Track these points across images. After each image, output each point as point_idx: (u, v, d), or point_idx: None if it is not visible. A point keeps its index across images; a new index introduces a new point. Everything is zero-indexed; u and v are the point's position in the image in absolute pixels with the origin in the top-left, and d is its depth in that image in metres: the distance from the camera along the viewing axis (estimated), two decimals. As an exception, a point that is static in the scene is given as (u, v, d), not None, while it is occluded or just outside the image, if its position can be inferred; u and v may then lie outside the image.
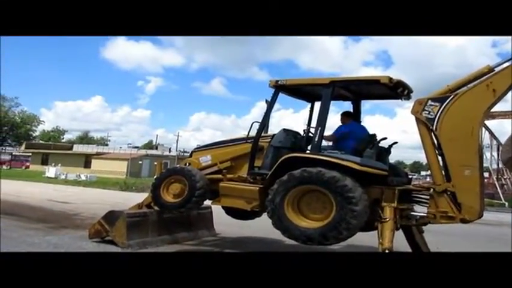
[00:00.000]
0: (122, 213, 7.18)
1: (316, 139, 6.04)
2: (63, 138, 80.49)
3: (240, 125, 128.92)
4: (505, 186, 27.81)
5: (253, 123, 6.73)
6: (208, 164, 7.23)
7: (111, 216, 7.19)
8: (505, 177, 29.14)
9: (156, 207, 7.29)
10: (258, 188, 6.34)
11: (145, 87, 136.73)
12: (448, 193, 5.59)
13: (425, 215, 5.84)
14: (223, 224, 8.66)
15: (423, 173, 76.34)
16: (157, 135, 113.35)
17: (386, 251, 5.26)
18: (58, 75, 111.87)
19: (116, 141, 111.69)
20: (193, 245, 7.74)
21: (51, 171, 34.88)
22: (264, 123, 6.74)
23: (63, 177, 33.04)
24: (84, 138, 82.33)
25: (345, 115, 6.91)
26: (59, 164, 39.11)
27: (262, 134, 6.74)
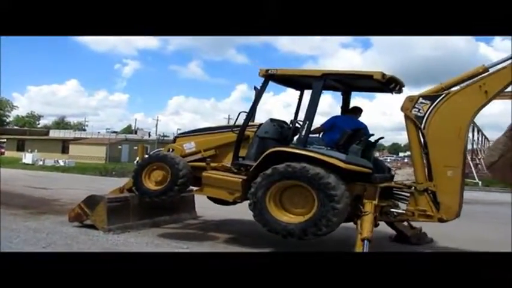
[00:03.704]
0: (102, 197, 7.13)
1: (303, 133, 6.00)
2: (38, 124, 78.59)
3: (220, 109, 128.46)
4: (479, 165, 28.59)
5: (240, 113, 6.66)
6: (192, 151, 7.14)
7: (92, 201, 7.14)
8: (479, 157, 29.98)
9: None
10: (241, 180, 6.31)
11: (122, 71, 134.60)
12: (429, 192, 5.64)
13: (404, 212, 5.93)
14: (204, 207, 8.68)
15: (401, 154, 77.82)
16: (136, 120, 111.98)
17: (366, 241, 5.30)
18: (29, 58, 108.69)
19: (93, 126, 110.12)
20: (177, 229, 7.78)
21: (27, 157, 34.17)
22: (252, 113, 6.65)
23: (40, 163, 32.43)
24: (61, 123, 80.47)
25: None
26: (36, 150, 38.30)
27: (249, 123, 6.67)
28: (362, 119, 6.90)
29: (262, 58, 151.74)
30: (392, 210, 6.11)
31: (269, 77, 6.52)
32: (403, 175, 23.73)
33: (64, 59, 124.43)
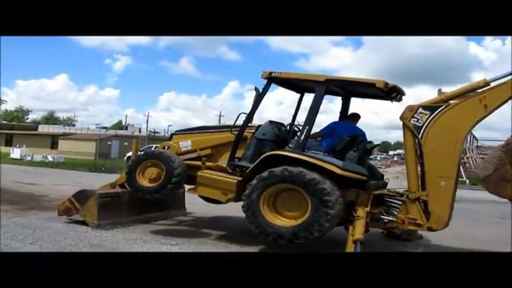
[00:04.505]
0: (93, 192, 7.09)
1: (302, 138, 6.01)
2: (27, 119, 77.66)
3: (211, 105, 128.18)
4: (466, 164, 28.94)
5: (240, 114, 6.67)
6: (188, 150, 7.14)
7: (83, 195, 7.10)
8: (467, 156, 30.32)
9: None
10: (236, 181, 6.32)
11: (113, 66, 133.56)
12: (420, 201, 5.70)
13: (394, 219, 5.96)
14: (194, 203, 8.68)
15: (391, 152, 78.42)
16: (126, 116, 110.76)
17: (357, 243, 5.29)
18: (17, 52, 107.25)
19: (83, 121, 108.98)
20: (166, 225, 7.77)
21: (16, 152, 33.86)
22: (252, 114, 6.63)
23: (29, 158, 32.10)
24: (50, 119, 79.50)
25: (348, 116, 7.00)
26: (24, 145, 37.89)
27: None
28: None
29: (254, 55, 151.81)
30: (382, 217, 6.15)
31: (272, 79, 6.49)
32: (392, 173, 23.98)
33: (53, 53, 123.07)
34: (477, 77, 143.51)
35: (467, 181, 24.00)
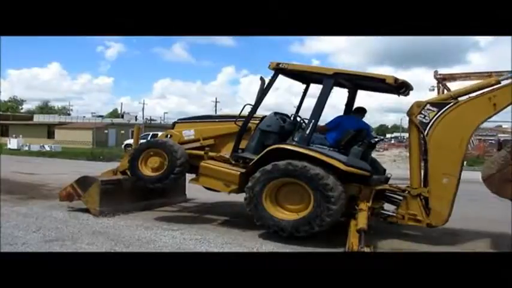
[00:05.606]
0: (96, 179, 7.11)
1: (307, 132, 5.98)
2: (21, 109, 77.24)
3: (206, 92, 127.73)
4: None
5: (245, 105, 6.63)
6: (190, 139, 7.13)
7: (85, 181, 7.12)
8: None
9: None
10: (239, 173, 6.31)
11: (105, 53, 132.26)
12: (421, 197, 5.72)
13: (394, 214, 6.00)
14: (197, 189, 8.71)
15: (388, 135, 78.67)
16: (121, 104, 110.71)
17: (362, 232, 5.18)
18: (7, 41, 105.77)
19: (78, 110, 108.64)
20: (168, 212, 7.82)
21: (13, 142, 33.84)
22: (258, 106, 6.59)
23: (26, 148, 32.08)
24: (45, 108, 79.11)
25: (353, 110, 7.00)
26: (20, 135, 37.79)
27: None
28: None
29: (248, 40, 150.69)
30: (382, 211, 6.20)
31: (279, 70, 6.43)
32: (389, 156, 24.17)
33: (44, 41, 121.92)
34: (474, 58, 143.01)
35: (465, 162, 24.19)
